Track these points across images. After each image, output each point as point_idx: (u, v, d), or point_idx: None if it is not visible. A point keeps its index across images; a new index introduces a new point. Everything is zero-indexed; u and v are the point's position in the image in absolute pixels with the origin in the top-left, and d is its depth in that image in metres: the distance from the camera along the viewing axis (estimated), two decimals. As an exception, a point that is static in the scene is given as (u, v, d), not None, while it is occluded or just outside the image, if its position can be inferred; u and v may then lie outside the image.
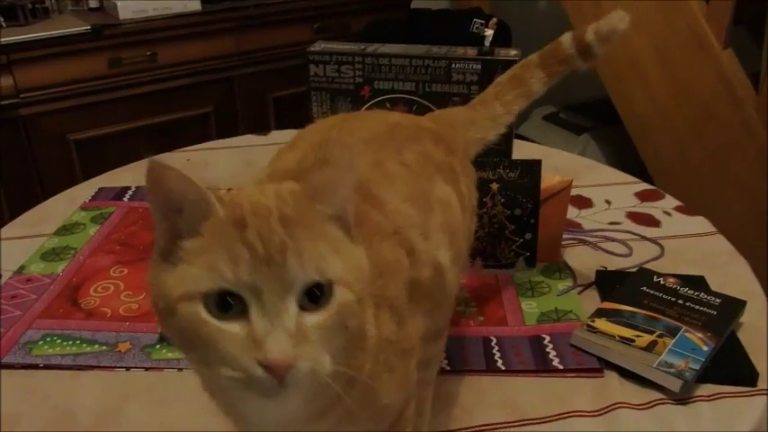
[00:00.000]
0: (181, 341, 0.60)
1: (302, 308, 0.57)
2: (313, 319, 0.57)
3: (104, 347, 1.09)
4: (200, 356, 0.58)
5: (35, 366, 1.05)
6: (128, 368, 1.05)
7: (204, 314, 0.56)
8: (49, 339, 1.10)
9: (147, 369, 1.05)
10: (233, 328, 0.56)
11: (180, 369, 1.04)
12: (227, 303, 0.56)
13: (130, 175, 1.66)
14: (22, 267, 1.29)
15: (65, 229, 1.42)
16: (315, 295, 0.57)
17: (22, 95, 2.19)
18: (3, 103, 2.16)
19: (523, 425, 0.94)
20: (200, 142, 1.85)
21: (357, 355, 0.64)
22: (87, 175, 1.76)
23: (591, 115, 2.75)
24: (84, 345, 1.09)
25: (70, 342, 1.10)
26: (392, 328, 0.70)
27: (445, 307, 0.88)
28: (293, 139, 0.89)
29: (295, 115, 2.16)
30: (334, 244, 0.60)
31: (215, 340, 0.56)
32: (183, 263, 0.58)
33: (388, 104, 1.35)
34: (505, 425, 0.94)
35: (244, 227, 0.57)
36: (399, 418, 0.77)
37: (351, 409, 0.64)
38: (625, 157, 2.44)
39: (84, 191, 1.59)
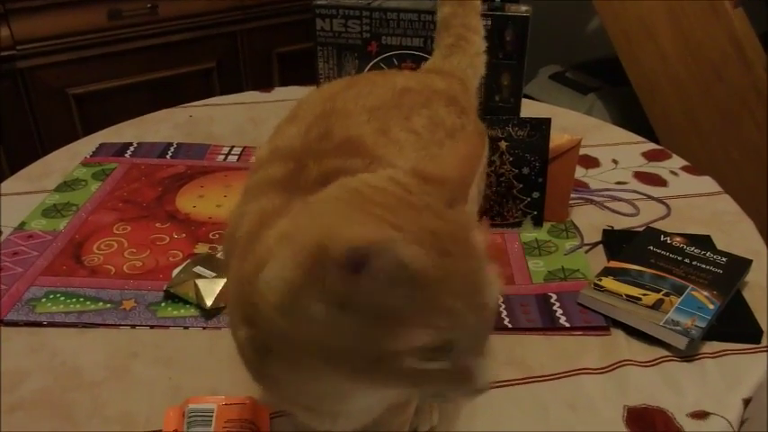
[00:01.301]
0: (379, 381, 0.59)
1: None
2: None
3: (109, 305, 1.08)
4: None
5: (39, 324, 1.05)
6: (133, 326, 1.05)
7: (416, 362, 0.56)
8: (52, 297, 1.10)
9: (152, 327, 1.05)
10: (435, 364, 0.56)
11: (186, 327, 1.04)
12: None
13: (132, 131, 1.64)
14: (22, 224, 1.28)
15: (66, 185, 1.41)
16: None
17: (19, 47, 2.16)
18: (0, 55, 2.13)
19: (531, 382, 0.94)
20: (203, 98, 1.84)
21: None
22: (88, 131, 1.74)
23: (598, 75, 2.72)
24: (89, 302, 1.09)
25: (74, 299, 1.09)
26: None
27: None
28: (293, 110, 0.86)
29: (299, 72, 2.14)
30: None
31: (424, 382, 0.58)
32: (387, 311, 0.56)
33: (395, 60, 1.33)
34: (513, 382, 0.94)
35: (447, 270, 0.55)
36: None
37: None
38: (631, 117, 2.41)
39: (85, 146, 1.58)
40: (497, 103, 1.32)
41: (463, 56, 1.04)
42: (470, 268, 0.56)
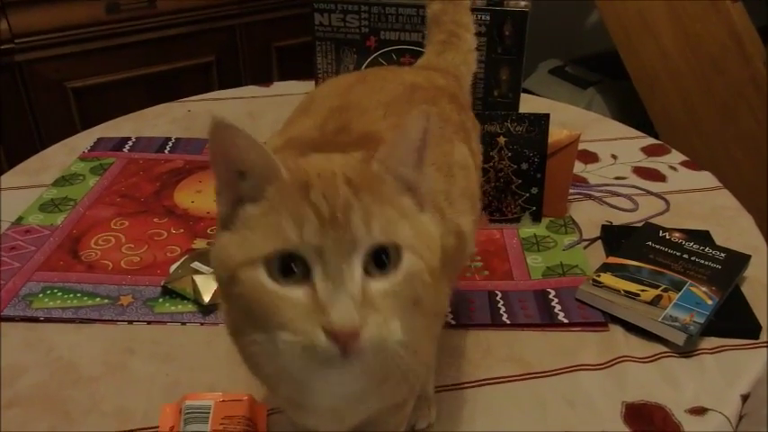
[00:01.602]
0: (241, 311, 0.57)
1: (368, 273, 0.54)
2: (380, 285, 0.54)
3: (106, 300, 1.08)
4: (260, 325, 0.55)
5: (36, 319, 1.05)
6: (130, 321, 1.04)
7: (266, 279, 0.53)
8: (49, 292, 1.09)
9: (149, 323, 1.04)
10: (296, 293, 0.53)
11: (183, 323, 1.04)
12: (289, 267, 0.53)
13: (130, 126, 1.64)
14: (20, 218, 1.28)
15: (64, 180, 1.40)
16: (382, 261, 0.55)
17: (17, 41, 2.15)
18: (-1, 47, 2.13)
19: (529, 378, 0.94)
20: (201, 92, 1.83)
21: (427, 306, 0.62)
22: (86, 125, 1.74)
23: (597, 69, 2.72)
24: (86, 298, 1.09)
25: (71, 295, 1.09)
26: (431, 290, 0.69)
27: (459, 272, 0.87)
28: (306, 102, 0.86)
29: (298, 66, 2.13)
30: (403, 211, 0.57)
31: (276, 306, 0.53)
32: (245, 228, 0.56)
33: (394, 56, 1.33)
34: (512, 378, 0.94)
35: (308, 189, 0.54)
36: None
37: (404, 374, 0.62)
38: (631, 112, 2.41)
39: (82, 140, 1.57)
40: (496, 99, 1.32)
41: (456, 53, 1.04)
42: (332, 190, 0.55)
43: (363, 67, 1.35)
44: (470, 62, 1.06)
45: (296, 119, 0.83)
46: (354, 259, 0.53)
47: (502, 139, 1.21)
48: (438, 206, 0.74)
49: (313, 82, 1.41)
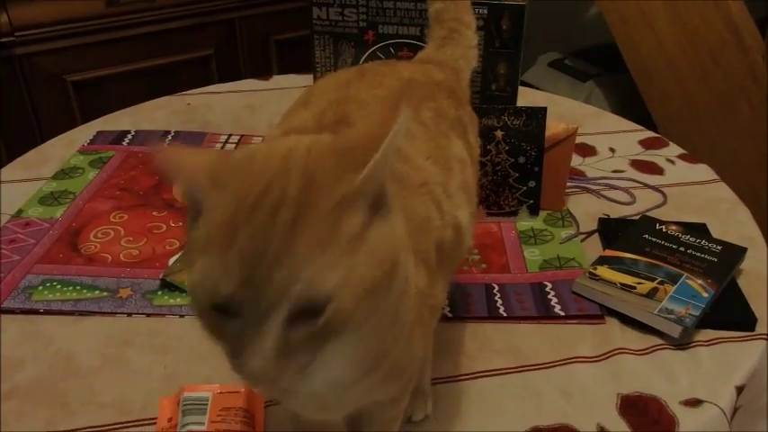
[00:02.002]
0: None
1: (294, 318, 0.51)
2: (303, 330, 0.51)
3: (105, 293, 1.09)
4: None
5: (35, 312, 1.05)
6: (129, 314, 1.05)
7: (210, 317, 0.53)
8: (49, 285, 1.10)
9: (148, 315, 1.05)
10: (226, 330, 0.52)
11: (182, 316, 1.04)
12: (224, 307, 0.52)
13: (129, 119, 1.64)
14: (20, 211, 1.28)
15: (63, 173, 1.41)
16: (310, 308, 0.51)
17: (17, 34, 2.15)
18: (-2, 40, 2.13)
19: (526, 370, 0.95)
20: (201, 86, 1.84)
21: (401, 310, 0.61)
22: (86, 118, 1.74)
23: (597, 62, 2.71)
24: (85, 290, 1.09)
25: (70, 287, 1.10)
26: (425, 282, 0.69)
27: (456, 265, 0.88)
28: (305, 95, 0.87)
29: (298, 59, 2.13)
30: (349, 236, 0.51)
31: (217, 337, 0.54)
32: (189, 249, 0.54)
33: (392, 49, 1.33)
34: (508, 371, 0.95)
35: (236, 230, 0.50)
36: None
37: (396, 363, 0.64)
38: (630, 104, 2.42)
39: (82, 134, 1.57)
40: (494, 92, 1.32)
41: (456, 47, 1.05)
42: (263, 232, 0.50)
43: (361, 61, 1.35)
44: (470, 57, 1.07)
45: (295, 111, 0.83)
46: (275, 313, 0.50)
47: (499, 133, 1.21)
48: (436, 199, 0.74)
49: (312, 75, 1.41)
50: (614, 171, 1.40)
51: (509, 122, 1.21)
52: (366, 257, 0.52)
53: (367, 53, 1.34)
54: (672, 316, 0.98)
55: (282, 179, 0.51)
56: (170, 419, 0.84)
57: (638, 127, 1.60)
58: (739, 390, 0.92)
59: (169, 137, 1.55)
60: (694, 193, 1.33)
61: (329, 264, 0.50)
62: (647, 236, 1.15)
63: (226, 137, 1.55)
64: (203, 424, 0.82)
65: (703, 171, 1.41)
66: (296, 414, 0.78)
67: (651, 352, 0.97)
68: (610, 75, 2.63)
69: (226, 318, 0.51)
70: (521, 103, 1.32)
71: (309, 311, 0.50)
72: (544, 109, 1.21)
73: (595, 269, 1.08)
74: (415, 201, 0.71)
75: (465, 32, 1.06)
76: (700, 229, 1.19)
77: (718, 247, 1.12)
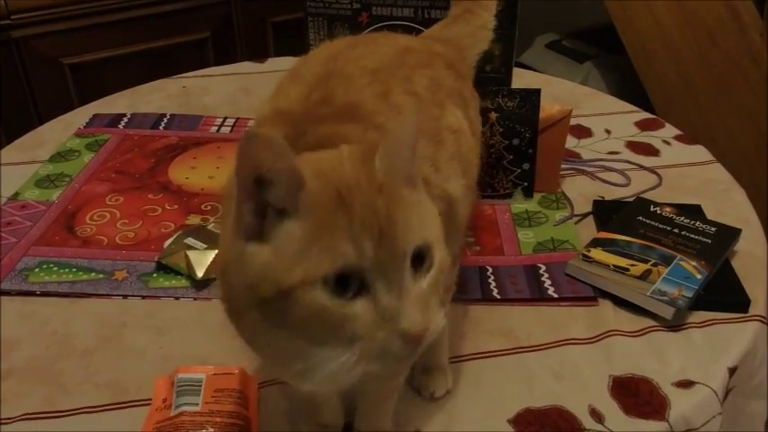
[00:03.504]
0: (288, 324, 0.58)
1: (414, 274, 0.58)
2: (424, 282, 0.58)
3: (101, 275, 1.09)
4: (320, 339, 0.58)
5: (32, 293, 1.06)
6: (125, 296, 1.06)
7: (327, 298, 0.55)
8: (45, 266, 1.10)
9: (143, 297, 1.05)
10: (358, 307, 0.56)
11: (177, 298, 1.05)
12: (346, 283, 0.55)
13: (126, 102, 1.64)
14: (16, 194, 1.29)
15: (59, 156, 1.41)
16: (419, 260, 0.58)
17: (13, 17, 2.15)
18: (-6, 23, 2.12)
19: (519, 352, 0.95)
20: (197, 68, 1.83)
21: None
22: (83, 100, 1.74)
23: (594, 43, 2.70)
24: (81, 272, 1.10)
25: (67, 269, 1.10)
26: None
27: (456, 237, 0.88)
28: (295, 67, 0.86)
29: (294, 41, 2.11)
30: (416, 207, 0.60)
31: (340, 322, 0.56)
32: (288, 245, 0.56)
33: (386, 31, 1.33)
34: (501, 352, 0.95)
35: (345, 202, 0.56)
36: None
37: None
38: (628, 85, 2.41)
39: (78, 117, 1.57)
40: (488, 74, 1.31)
41: (465, 26, 1.04)
42: (368, 201, 0.56)
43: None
44: (480, 38, 1.05)
45: (285, 85, 0.82)
46: (406, 267, 0.57)
47: (493, 115, 1.21)
48: (422, 173, 0.75)
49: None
50: (610, 153, 1.40)
51: (503, 104, 1.21)
52: (435, 221, 0.62)
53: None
54: (665, 298, 0.99)
55: (362, 170, 0.58)
56: (164, 400, 0.85)
57: (635, 108, 1.59)
58: (732, 371, 0.92)
59: (164, 120, 1.55)
60: (690, 175, 1.33)
61: (419, 217, 0.59)
62: (641, 217, 1.15)
63: (221, 120, 1.55)
64: (197, 405, 0.83)
65: (699, 152, 1.41)
66: (295, 390, 0.78)
67: (644, 334, 0.98)
68: (607, 56, 2.61)
69: (346, 296, 0.55)
70: (517, 84, 1.32)
71: (418, 259, 0.58)
72: (538, 91, 1.21)
73: (589, 251, 1.08)
74: None
75: (480, 13, 1.05)
76: (694, 211, 1.19)
77: (713, 229, 1.12)
